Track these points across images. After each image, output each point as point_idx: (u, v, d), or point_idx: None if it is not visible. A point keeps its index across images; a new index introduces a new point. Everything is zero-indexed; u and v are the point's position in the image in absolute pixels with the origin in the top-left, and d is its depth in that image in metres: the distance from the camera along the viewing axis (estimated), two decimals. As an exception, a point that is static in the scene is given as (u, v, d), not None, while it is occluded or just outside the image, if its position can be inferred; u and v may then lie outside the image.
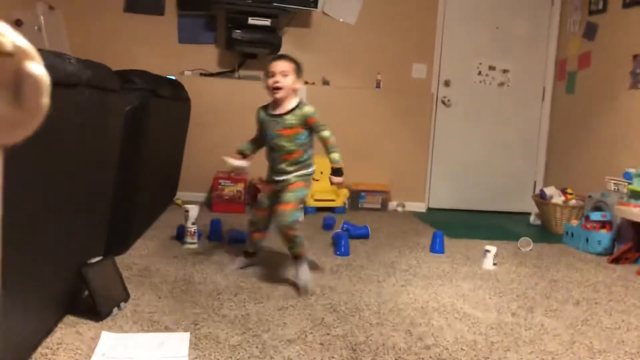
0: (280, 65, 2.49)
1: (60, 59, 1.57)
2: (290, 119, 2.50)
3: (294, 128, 2.50)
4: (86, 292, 2.02)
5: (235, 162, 2.63)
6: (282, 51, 4.79)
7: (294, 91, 2.53)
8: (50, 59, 1.48)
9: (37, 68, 0.49)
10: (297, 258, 2.55)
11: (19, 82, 0.48)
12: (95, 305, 1.98)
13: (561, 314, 2.42)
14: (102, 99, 2.03)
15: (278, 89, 2.48)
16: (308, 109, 2.50)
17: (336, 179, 2.54)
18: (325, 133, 2.51)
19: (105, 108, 2.10)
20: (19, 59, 0.48)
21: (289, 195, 2.53)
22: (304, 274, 2.51)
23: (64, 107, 1.61)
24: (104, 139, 2.15)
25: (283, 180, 2.57)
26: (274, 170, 2.61)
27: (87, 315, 2.00)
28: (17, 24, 3.76)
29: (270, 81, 2.49)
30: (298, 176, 2.56)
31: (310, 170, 2.61)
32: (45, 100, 0.50)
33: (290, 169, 2.56)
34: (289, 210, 2.49)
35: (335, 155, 2.51)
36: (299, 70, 2.54)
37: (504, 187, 5.38)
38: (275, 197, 2.59)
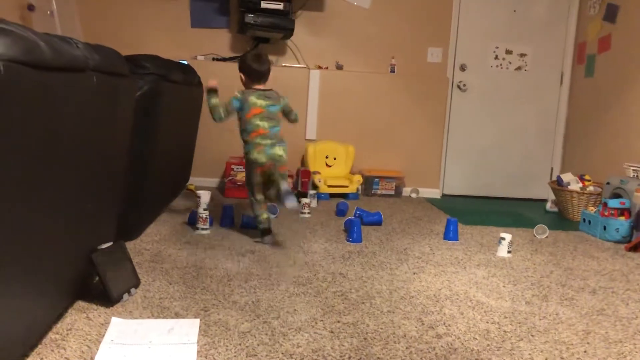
0: None
1: (67, 43, 1.55)
2: None
3: None
4: (96, 278, 2.03)
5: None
6: (295, 35, 4.74)
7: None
8: (56, 43, 1.46)
9: None
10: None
11: None
12: (105, 291, 1.98)
13: (576, 303, 2.37)
14: (112, 84, 2.01)
15: None
16: None
17: None
18: None
19: (114, 93, 2.08)
20: None
21: None
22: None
23: (71, 93, 1.59)
24: (114, 124, 2.14)
25: None
26: None
27: (97, 301, 2.01)
28: (29, 9, 3.75)
29: None
30: None
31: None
32: None
33: None
34: None
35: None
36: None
37: (519, 173, 5.31)
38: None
